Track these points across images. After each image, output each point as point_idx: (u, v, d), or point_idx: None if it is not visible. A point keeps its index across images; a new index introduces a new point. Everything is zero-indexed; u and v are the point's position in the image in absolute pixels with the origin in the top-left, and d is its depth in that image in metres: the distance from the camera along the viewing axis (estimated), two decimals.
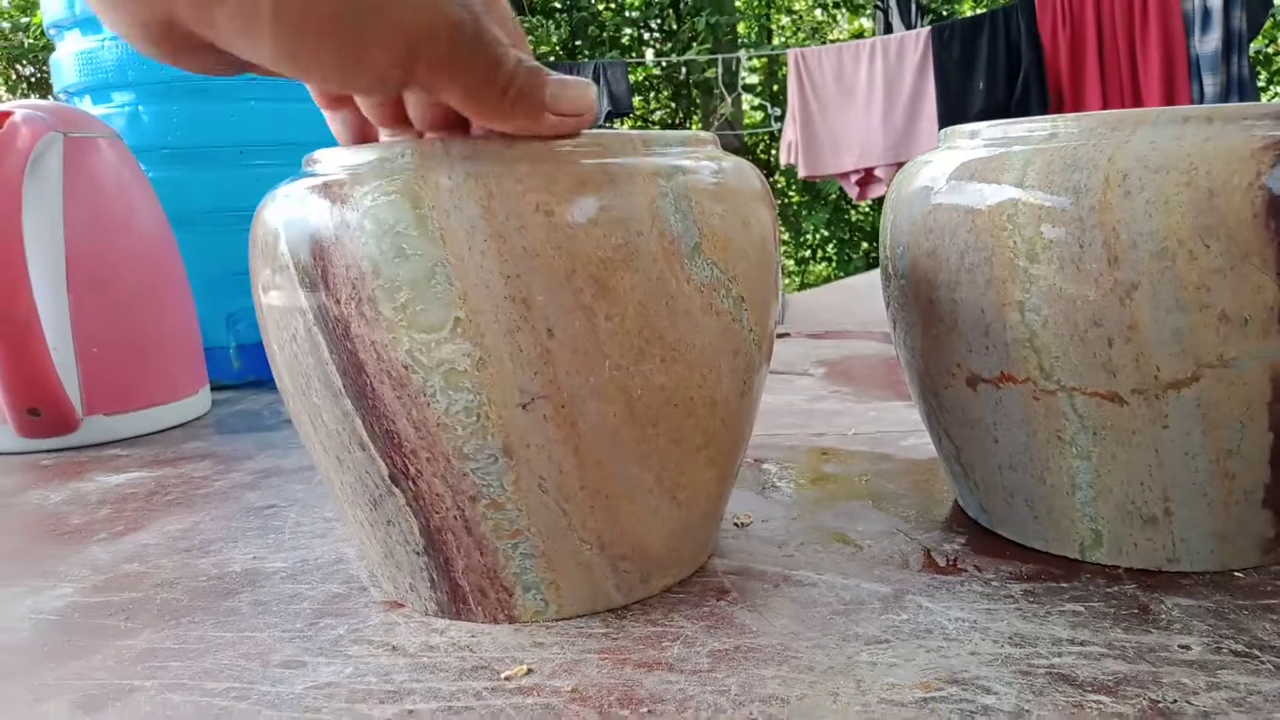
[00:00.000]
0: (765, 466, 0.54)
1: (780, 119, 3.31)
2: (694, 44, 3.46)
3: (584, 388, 0.31)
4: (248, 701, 0.31)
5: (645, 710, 0.30)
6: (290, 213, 0.31)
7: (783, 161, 3.08)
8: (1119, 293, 0.32)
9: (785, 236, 4.10)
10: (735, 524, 0.45)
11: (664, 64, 3.73)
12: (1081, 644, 0.32)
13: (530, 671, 0.32)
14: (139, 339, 0.72)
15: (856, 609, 0.36)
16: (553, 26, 3.71)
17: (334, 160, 0.32)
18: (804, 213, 3.85)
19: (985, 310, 0.36)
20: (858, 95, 2.81)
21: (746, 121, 3.94)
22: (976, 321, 0.36)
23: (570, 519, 0.33)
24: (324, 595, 0.40)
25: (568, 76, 0.31)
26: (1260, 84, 4.19)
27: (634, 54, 3.86)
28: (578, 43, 3.83)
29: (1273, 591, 0.35)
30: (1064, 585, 0.37)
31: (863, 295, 1.97)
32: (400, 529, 0.33)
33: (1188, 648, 0.32)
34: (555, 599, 0.35)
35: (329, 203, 0.30)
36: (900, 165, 2.91)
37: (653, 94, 4.13)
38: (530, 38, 3.78)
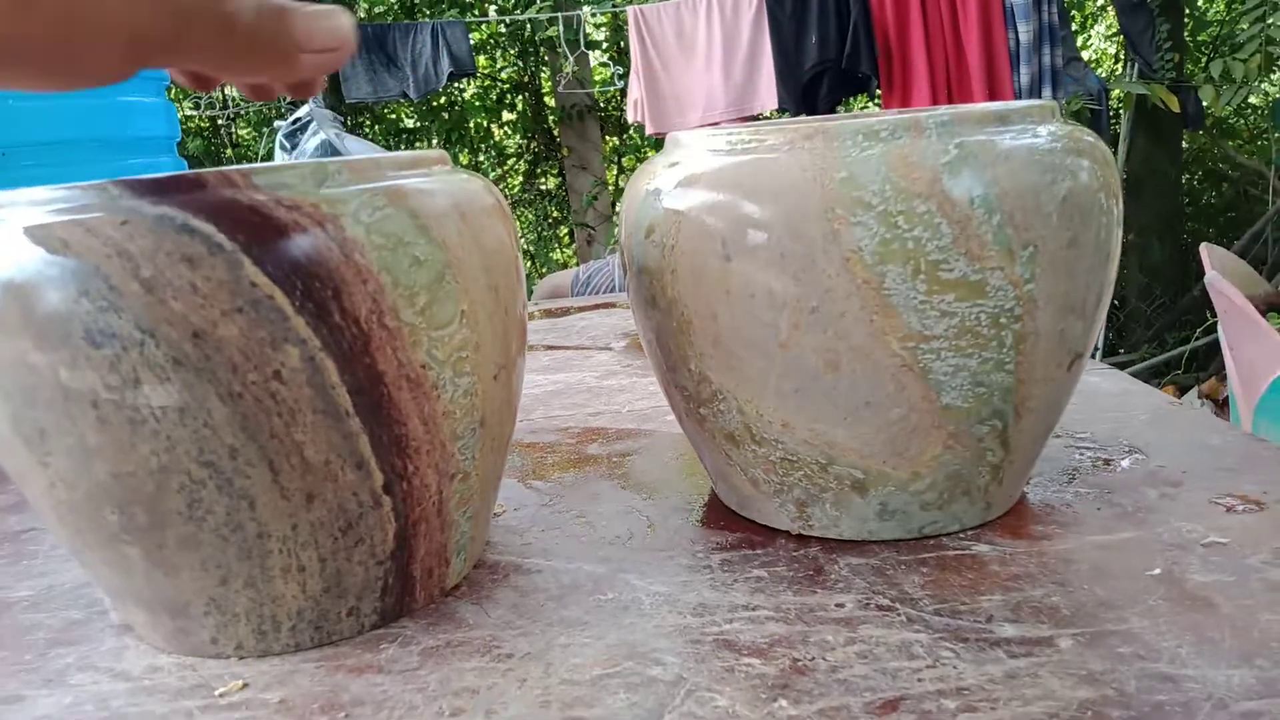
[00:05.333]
0: (535, 454, 0.56)
1: (624, 77, 3.31)
2: (537, 0, 3.42)
3: (511, 353, 0.39)
4: None
5: (343, 715, 0.32)
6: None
7: (630, 119, 3.09)
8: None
9: None
10: (494, 514, 0.47)
11: (507, 22, 3.67)
12: (754, 609, 0.36)
13: (245, 686, 0.34)
14: None
15: (570, 592, 0.39)
16: None
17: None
18: None
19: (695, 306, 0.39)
20: (698, 51, 2.84)
21: (596, 78, 3.93)
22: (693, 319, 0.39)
23: (497, 470, 0.41)
24: (62, 623, 0.40)
25: (317, 6, 0.30)
26: (1075, 27, 4.42)
27: (476, 12, 3.78)
28: (416, 2, 3.72)
29: (933, 545, 0.40)
30: (758, 552, 0.41)
31: None
32: (368, 544, 0.35)
33: (842, 605, 0.36)
34: (471, 557, 0.41)
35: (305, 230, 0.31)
36: (743, 119, 2.96)
37: (499, 52, 4.06)
38: (364, 1, 3.64)
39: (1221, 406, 2.68)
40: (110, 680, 0.35)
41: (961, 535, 0.41)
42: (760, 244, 0.35)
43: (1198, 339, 2.95)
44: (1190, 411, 0.53)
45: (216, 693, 0.34)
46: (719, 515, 0.45)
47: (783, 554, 0.40)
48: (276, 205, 0.31)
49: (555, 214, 4.17)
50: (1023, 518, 0.42)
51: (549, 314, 1.02)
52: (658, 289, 0.40)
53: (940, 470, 0.38)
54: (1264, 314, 2.12)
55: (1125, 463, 0.47)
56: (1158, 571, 0.36)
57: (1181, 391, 2.90)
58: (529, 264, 4.23)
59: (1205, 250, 2.37)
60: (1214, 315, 2.30)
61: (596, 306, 1.04)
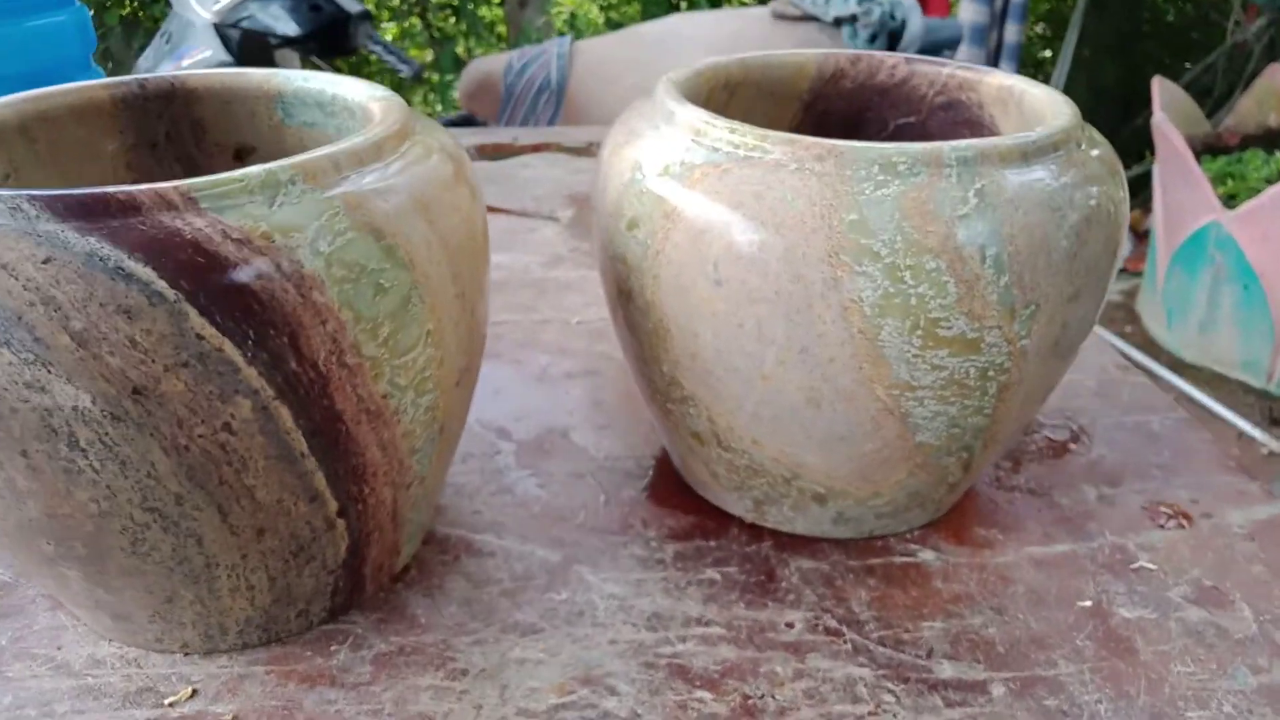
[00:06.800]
0: (481, 379, 0.54)
1: None
2: None
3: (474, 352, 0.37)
4: None
5: None
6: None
7: None
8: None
9: None
10: None
11: None
12: (706, 624, 0.37)
13: (195, 694, 0.34)
14: None
15: (524, 587, 0.39)
16: None
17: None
18: None
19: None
20: None
21: None
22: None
23: (451, 459, 0.40)
24: None
25: None
26: None
27: None
28: None
29: (881, 548, 0.41)
30: (711, 544, 0.41)
31: (650, 47, 1.89)
32: (320, 560, 0.34)
33: (792, 625, 0.37)
34: (420, 536, 0.40)
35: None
36: None
37: None
38: None
39: (1141, 239, 2.76)
40: (51, 675, 0.34)
41: (909, 537, 0.42)
42: (756, 277, 0.33)
43: (1133, 170, 2.97)
44: (1135, 381, 0.54)
45: (166, 702, 0.33)
46: (671, 488, 0.45)
47: (735, 549, 0.41)
48: (224, 239, 0.27)
49: None
50: (967, 517, 0.43)
51: (487, 153, 0.96)
52: (635, 286, 0.37)
53: (901, 490, 0.39)
54: (1199, 156, 2.15)
55: (1069, 447, 0.49)
56: (1088, 604, 0.38)
57: None
58: (453, 20, 3.92)
59: (1157, 84, 2.34)
60: (1153, 152, 2.31)
61: (537, 147, 0.98)
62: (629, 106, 0.42)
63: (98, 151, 0.40)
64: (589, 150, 0.97)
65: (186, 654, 0.35)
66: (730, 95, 0.45)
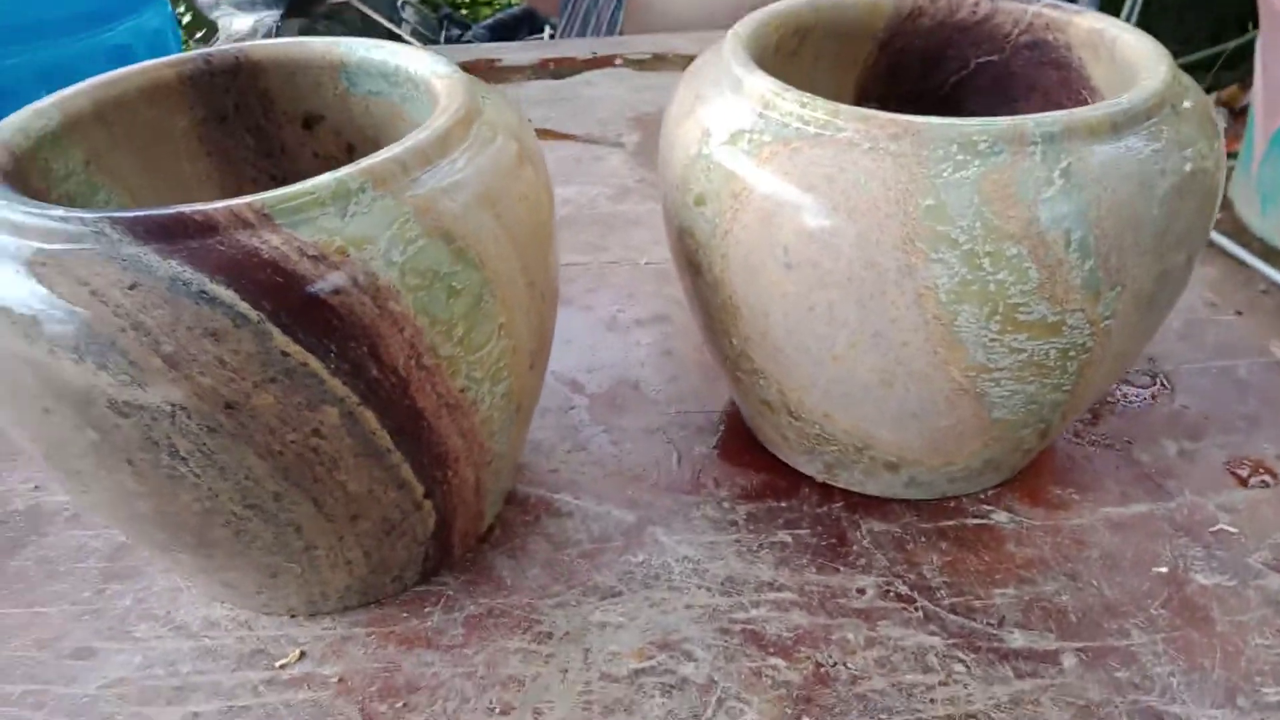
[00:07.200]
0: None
1: None
2: None
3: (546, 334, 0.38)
4: (43, 711, 0.35)
5: (400, 704, 0.34)
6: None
7: None
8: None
9: None
10: None
11: None
12: (779, 589, 0.38)
13: (303, 656, 0.36)
14: None
15: (602, 549, 0.40)
16: None
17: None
18: None
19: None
20: None
21: None
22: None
23: (524, 438, 0.41)
24: (109, 547, 0.41)
25: None
26: None
27: None
28: None
29: (954, 509, 0.41)
30: (782, 504, 0.42)
31: None
32: (410, 535, 0.36)
33: (863, 591, 0.38)
34: (502, 497, 0.42)
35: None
36: None
37: None
38: None
39: (1237, 117, 2.59)
40: (172, 636, 0.37)
41: (982, 497, 0.42)
42: (827, 261, 0.32)
43: (1232, 41, 2.75)
44: (1222, 321, 0.52)
45: (278, 664, 0.36)
46: (742, 445, 0.45)
47: (806, 510, 0.42)
48: (300, 256, 0.27)
49: None
50: (1043, 475, 0.43)
51: (549, 68, 0.94)
52: (704, 261, 0.37)
53: (976, 459, 0.38)
54: None
55: (1149, 396, 0.47)
56: (1164, 570, 0.38)
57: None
58: None
59: None
60: (1255, 23, 2.13)
61: (600, 62, 0.95)
62: (694, 64, 0.40)
63: (169, 130, 0.40)
64: (654, 64, 0.94)
65: (293, 616, 0.38)
66: (801, 40, 0.43)
